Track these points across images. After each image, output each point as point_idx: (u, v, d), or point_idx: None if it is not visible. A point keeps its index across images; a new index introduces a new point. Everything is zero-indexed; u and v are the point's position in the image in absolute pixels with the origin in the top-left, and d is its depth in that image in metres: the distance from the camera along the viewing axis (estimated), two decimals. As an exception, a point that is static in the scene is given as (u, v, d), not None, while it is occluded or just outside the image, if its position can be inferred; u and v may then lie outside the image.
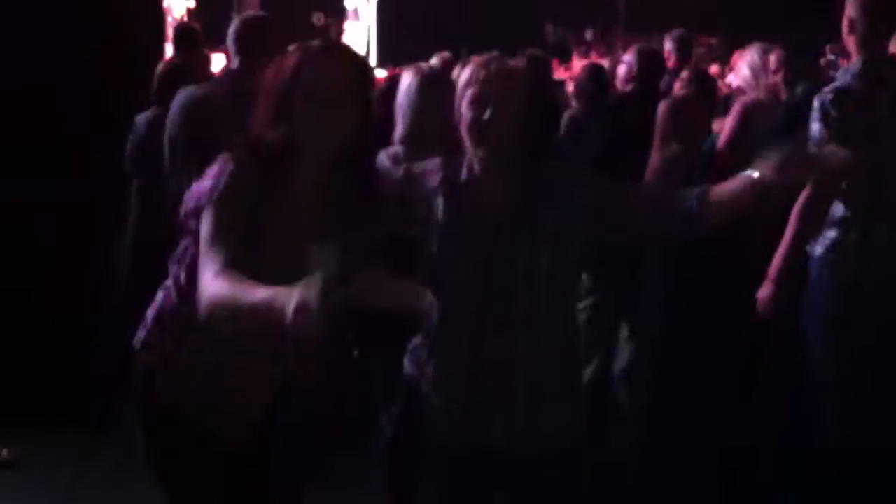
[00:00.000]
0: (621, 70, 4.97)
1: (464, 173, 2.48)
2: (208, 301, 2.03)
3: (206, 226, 2.10)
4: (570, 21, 22.80)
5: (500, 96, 2.38)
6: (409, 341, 2.62)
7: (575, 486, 2.60)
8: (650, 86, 4.73)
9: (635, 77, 4.74)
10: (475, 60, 2.48)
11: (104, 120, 5.02)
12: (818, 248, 3.41)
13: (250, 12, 4.14)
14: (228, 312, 2.00)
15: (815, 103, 3.32)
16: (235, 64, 3.85)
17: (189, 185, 3.70)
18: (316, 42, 2.32)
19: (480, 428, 2.48)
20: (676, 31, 6.00)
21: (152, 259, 4.44)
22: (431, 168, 2.56)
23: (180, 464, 2.27)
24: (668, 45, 5.99)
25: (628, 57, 4.85)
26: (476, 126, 2.40)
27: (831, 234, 3.36)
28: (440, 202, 2.47)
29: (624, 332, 4.62)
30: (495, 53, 2.56)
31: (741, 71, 4.41)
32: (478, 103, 2.39)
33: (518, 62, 2.61)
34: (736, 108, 4.14)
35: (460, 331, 2.45)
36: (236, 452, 2.30)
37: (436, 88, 3.36)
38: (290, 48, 2.30)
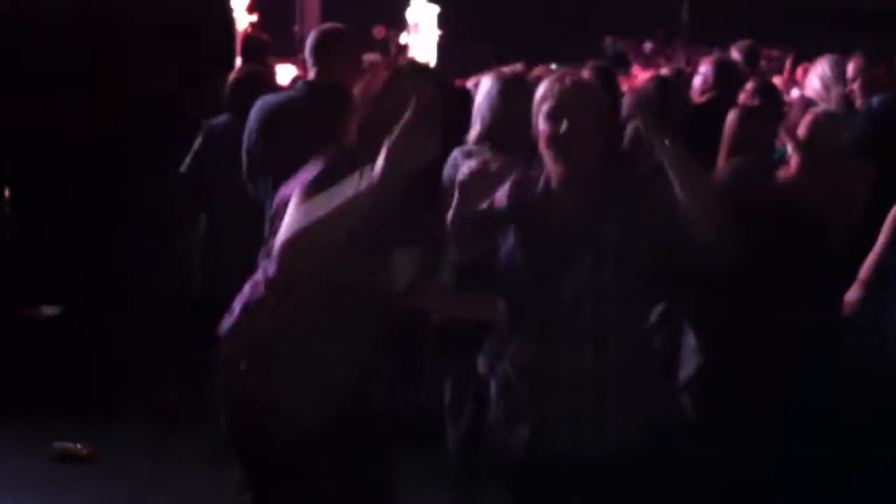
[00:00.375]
0: (697, 81, 4.96)
1: (540, 186, 2.51)
2: (281, 239, 2.08)
3: (293, 204, 2.16)
4: (630, 33, 22.77)
5: (576, 110, 2.41)
6: (483, 340, 2.65)
7: (647, 491, 2.60)
8: (728, 96, 4.71)
9: (712, 87, 4.73)
10: (550, 77, 2.53)
11: (176, 125, 5.14)
12: None
13: (326, 24, 4.21)
14: (299, 241, 2.05)
15: None
16: (312, 74, 3.92)
17: (266, 189, 3.80)
18: (405, 61, 2.41)
19: (547, 438, 2.49)
20: (743, 42, 5.95)
21: (221, 262, 4.55)
22: (506, 184, 2.59)
23: (262, 449, 2.33)
24: (735, 56, 5.94)
25: (704, 68, 4.84)
26: (554, 140, 2.43)
27: None
28: (515, 214, 2.50)
29: (690, 340, 4.59)
30: (570, 68, 2.60)
31: (812, 83, 4.38)
32: (554, 117, 2.42)
33: (588, 75, 2.64)
34: (807, 119, 4.12)
35: (527, 340, 2.47)
36: (317, 438, 2.35)
37: (515, 93, 3.41)
38: (377, 65, 2.39)
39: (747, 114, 4.05)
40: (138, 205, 5.57)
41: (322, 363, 2.35)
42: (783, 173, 3.87)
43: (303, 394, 2.33)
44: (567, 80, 2.47)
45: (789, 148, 3.93)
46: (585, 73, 5.38)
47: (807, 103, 4.39)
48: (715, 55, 5.07)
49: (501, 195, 2.58)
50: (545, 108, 2.45)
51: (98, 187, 5.55)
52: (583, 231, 2.46)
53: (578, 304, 2.44)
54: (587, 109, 2.44)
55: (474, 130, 3.49)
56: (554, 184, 2.50)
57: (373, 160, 2.17)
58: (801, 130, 4.05)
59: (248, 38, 6.35)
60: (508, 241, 2.51)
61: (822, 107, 4.17)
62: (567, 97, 2.43)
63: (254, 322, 2.35)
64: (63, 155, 5.67)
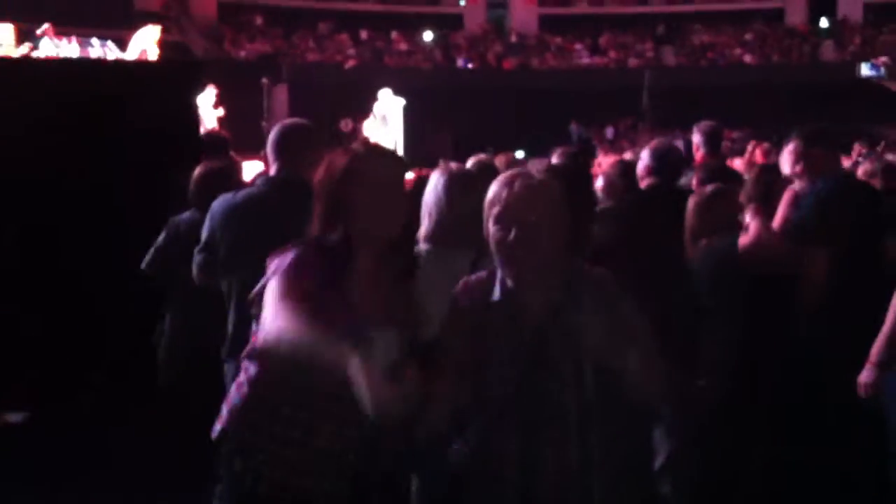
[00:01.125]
0: (639, 166, 4.97)
1: (496, 293, 2.45)
2: (271, 333, 2.09)
3: (270, 293, 2.15)
4: (594, 119, 23.21)
5: (526, 215, 2.35)
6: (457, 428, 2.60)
7: None
8: (666, 182, 4.74)
9: (652, 173, 4.76)
10: (499, 178, 2.46)
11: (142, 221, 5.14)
12: None
13: (289, 120, 4.19)
14: (290, 342, 2.04)
15: None
16: (274, 170, 3.90)
17: (230, 287, 3.77)
18: (360, 145, 2.41)
19: None
20: (705, 124, 5.94)
21: (183, 354, 4.53)
22: (461, 290, 2.54)
23: None
24: (696, 139, 5.96)
25: (644, 153, 4.86)
26: (502, 246, 2.43)
27: None
28: (476, 322, 2.46)
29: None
30: (520, 169, 2.54)
31: (785, 162, 4.43)
32: (502, 223, 2.39)
33: (544, 175, 2.57)
34: (786, 197, 4.14)
35: (508, 445, 2.42)
36: None
37: (463, 188, 3.38)
38: (334, 153, 2.37)
39: (706, 199, 4.07)
40: (105, 301, 5.53)
41: (312, 452, 2.32)
42: (744, 241, 3.91)
43: (309, 477, 2.30)
44: (516, 185, 2.39)
45: (747, 216, 3.97)
46: (554, 159, 5.43)
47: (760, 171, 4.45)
48: (655, 141, 5.09)
49: (459, 298, 2.53)
50: (494, 212, 2.40)
51: (64, 282, 5.51)
52: (554, 331, 2.41)
53: (560, 404, 2.41)
54: (538, 213, 2.36)
55: (424, 227, 3.43)
56: (510, 286, 2.46)
57: (337, 244, 2.22)
58: (782, 208, 4.10)
59: (208, 134, 6.40)
60: (475, 347, 2.47)
61: (799, 184, 4.21)
62: (516, 202, 2.36)
63: (242, 422, 2.33)
64: (31, 254, 5.63)
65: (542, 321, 2.38)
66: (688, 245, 3.93)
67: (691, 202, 3.99)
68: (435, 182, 3.42)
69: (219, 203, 3.92)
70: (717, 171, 5.37)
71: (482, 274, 2.52)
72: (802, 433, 3.59)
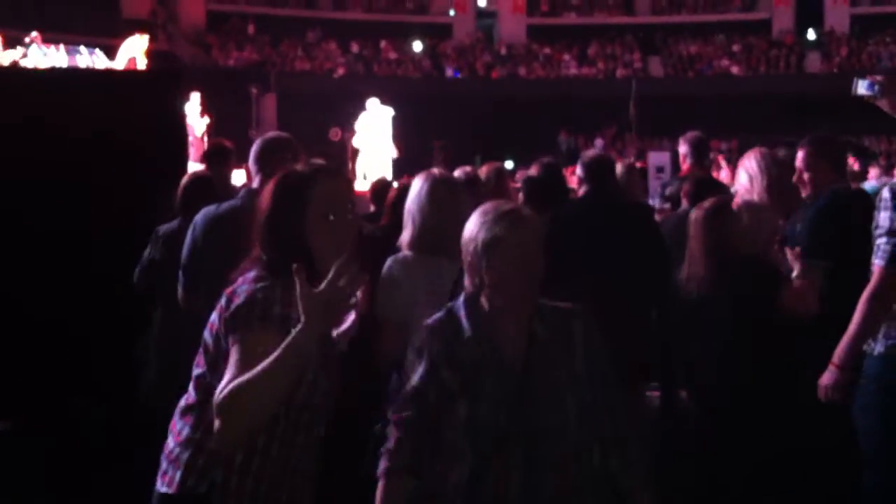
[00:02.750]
0: (574, 179, 5.00)
1: (466, 327, 2.47)
2: (223, 393, 2.04)
3: (235, 353, 2.11)
4: (582, 129, 23.28)
5: (509, 250, 2.38)
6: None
7: None
8: (599, 192, 4.78)
9: (582, 183, 4.81)
10: (492, 211, 2.47)
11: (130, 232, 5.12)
12: (878, 346, 3.39)
13: (271, 133, 4.18)
14: (243, 396, 2.00)
15: (886, 193, 3.33)
16: (256, 182, 3.88)
17: (205, 298, 3.75)
18: (311, 164, 2.34)
19: None
20: (692, 134, 5.94)
21: (172, 369, 4.50)
22: (428, 334, 2.54)
23: None
24: (682, 149, 5.96)
25: (578, 167, 4.91)
26: (512, 285, 2.39)
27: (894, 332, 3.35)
28: (452, 357, 2.46)
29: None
30: (508, 205, 2.54)
31: (739, 176, 4.43)
32: (516, 265, 2.37)
33: (534, 170, 2.62)
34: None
35: (509, 474, 2.42)
36: None
37: (446, 194, 3.36)
38: (283, 171, 2.32)
39: (712, 213, 4.00)
40: (92, 311, 5.51)
41: (282, 470, 2.29)
42: None
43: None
44: (499, 219, 2.42)
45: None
46: (532, 171, 5.44)
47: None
48: (588, 152, 5.12)
49: (423, 345, 2.54)
50: (503, 252, 2.41)
51: (52, 293, 5.48)
52: (533, 367, 2.43)
53: (549, 432, 2.42)
54: (520, 247, 2.39)
55: (406, 233, 3.41)
56: (487, 317, 2.47)
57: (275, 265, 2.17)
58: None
59: (212, 143, 6.36)
60: (455, 386, 2.47)
61: (746, 198, 4.20)
62: (499, 237, 2.39)
63: (191, 472, 2.27)
64: (18, 260, 5.61)
65: (519, 361, 2.40)
66: (696, 262, 3.85)
67: (695, 217, 3.91)
68: (418, 188, 3.41)
69: (201, 216, 3.91)
70: (705, 182, 5.39)
71: (438, 316, 2.52)
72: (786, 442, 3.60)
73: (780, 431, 3.56)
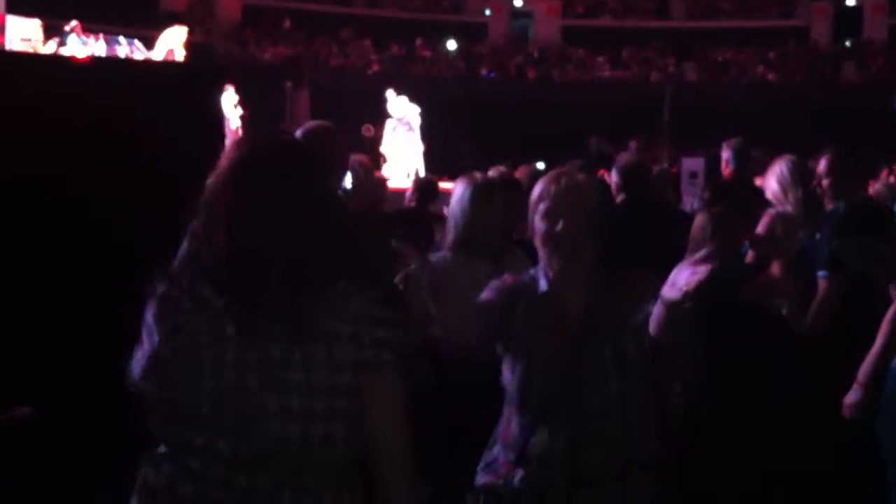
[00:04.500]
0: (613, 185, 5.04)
1: (542, 284, 2.56)
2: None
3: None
4: (615, 133, 23.21)
5: (571, 209, 2.50)
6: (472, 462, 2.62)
7: None
8: (635, 199, 4.79)
9: (620, 190, 4.83)
10: (545, 177, 2.61)
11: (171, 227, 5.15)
12: None
13: (313, 122, 4.21)
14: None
15: None
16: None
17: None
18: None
19: None
20: (734, 141, 5.98)
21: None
22: (502, 285, 2.63)
23: None
24: (725, 155, 5.98)
25: (614, 173, 4.93)
26: (550, 238, 2.51)
27: None
28: (521, 315, 2.53)
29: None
30: (563, 169, 2.67)
31: (770, 184, 4.42)
32: (550, 217, 2.51)
33: (583, 177, 2.70)
34: (763, 221, 4.16)
35: (555, 436, 2.47)
36: None
37: (484, 199, 3.44)
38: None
39: (711, 219, 4.02)
40: (136, 298, 5.55)
41: None
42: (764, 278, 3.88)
43: None
44: (563, 181, 2.56)
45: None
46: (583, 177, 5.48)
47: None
48: (622, 156, 5.14)
49: (493, 299, 2.60)
50: (542, 207, 2.53)
51: (93, 288, 5.54)
52: (597, 317, 2.51)
53: (605, 385, 2.48)
54: (581, 209, 2.52)
55: (449, 237, 3.49)
56: (553, 279, 2.55)
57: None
58: (758, 230, 4.09)
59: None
60: (519, 341, 2.54)
61: (779, 208, 4.20)
62: (562, 197, 2.52)
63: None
64: (42, 243, 5.67)
65: (583, 311, 2.47)
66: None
67: (697, 220, 3.95)
68: (459, 193, 3.49)
69: None
70: (729, 187, 5.41)
71: (523, 275, 2.62)
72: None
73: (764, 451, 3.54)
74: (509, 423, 2.57)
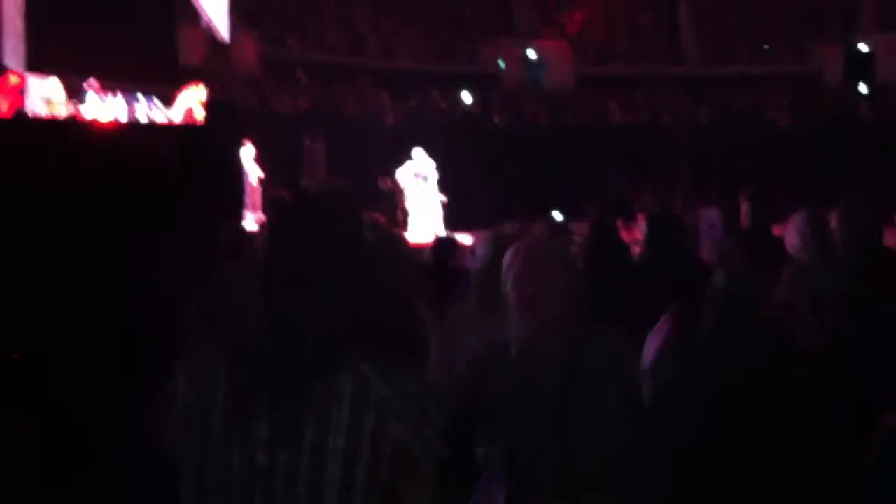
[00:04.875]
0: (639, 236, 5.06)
1: (513, 350, 2.58)
2: None
3: None
4: (633, 179, 23.24)
5: (540, 274, 2.58)
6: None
7: None
8: (661, 252, 4.79)
9: (646, 243, 4.83)
10: (514, 246, 2.69)
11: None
12: None
13: (328, 181, 4.29)
14: None
15: None
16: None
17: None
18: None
19: None
20: (752, 190, 6.03)
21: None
22: (472, 357, 2.66)
23: None
24: (743, 206, 6.02)
25: (643, 223, 4.95)
26: (522, 302, 2.55)
27: None
28: (496, 383, 2.56)
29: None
30: (531, 236, 2.75)
31: (790, 236, 4.47)
32: (520, 282, 2.54)
33: (560, 239, 2.78)
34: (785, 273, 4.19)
35: (543, 495, 2.47)
36: None
37: (500, 256, 3.50)
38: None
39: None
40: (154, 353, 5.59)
41: None
42: None
43: None
44: (529, 249, 2.61)
45: None
46: (582, 229, 5.53)
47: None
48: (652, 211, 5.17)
49: (465, 372, 2.66)
50: (512, 273, 2.59)
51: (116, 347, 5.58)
52: (579, 375, 2.52)
53: (589, 453, 2.48)
54: (551, 272, 2.58)
55: (473, 296, 3.56)
56: (527, 338, 2.59)
57: None
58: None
59: (274, 197, 6.47)
60: (496, 413, 2.56)
61: (799, 258, 4.23)
62: (531, 263, 2.59)
63: None
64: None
65: (564, 371, 2.49)
66: None
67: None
68: (480, 252, 3.57)
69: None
70: (763, 239, 5.42)
71: (493, 342, 2.66)
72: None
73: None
74: (489, 498, 2.54)
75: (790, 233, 4.47)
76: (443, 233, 11.55)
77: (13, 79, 12.29)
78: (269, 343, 1.81)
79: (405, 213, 15.04)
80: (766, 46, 28.19)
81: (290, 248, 1.82)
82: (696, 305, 3.20)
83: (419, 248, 7.00)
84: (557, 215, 13.73)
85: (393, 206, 15.18)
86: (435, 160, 15.25)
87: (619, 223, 9.03)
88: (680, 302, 3.46)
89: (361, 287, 1.89)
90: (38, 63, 14.08)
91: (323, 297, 1.79)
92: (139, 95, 14.52)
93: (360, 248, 1.91)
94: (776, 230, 7.58)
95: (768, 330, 3.32)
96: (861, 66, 26.90)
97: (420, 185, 15.01)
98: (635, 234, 7.78)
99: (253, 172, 14.40)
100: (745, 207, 5.90)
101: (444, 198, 14.70)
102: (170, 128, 9.77)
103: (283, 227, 1.90)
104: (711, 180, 19.54)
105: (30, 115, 10.12)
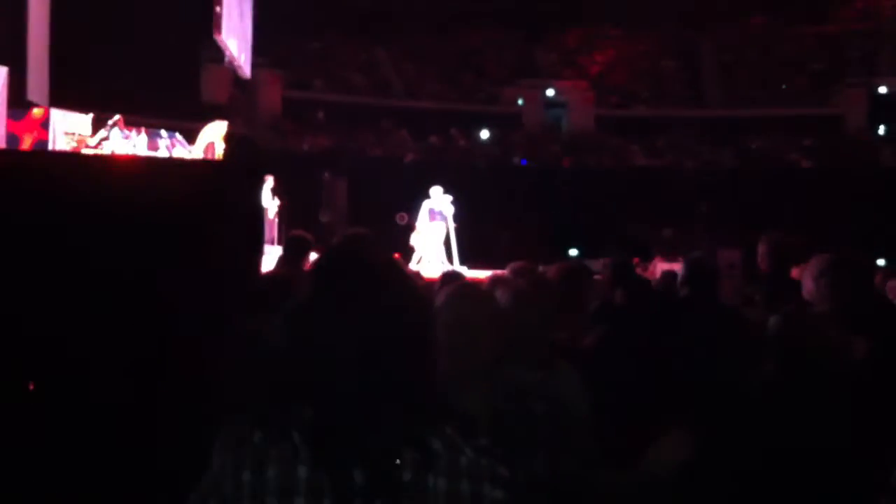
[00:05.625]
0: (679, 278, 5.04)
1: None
2: None
3: None
4: (651, 221, 23.25)
5: (467, 320, 2.57)
6: None
7: None
8: (700, 293, 4.78)
9: (685, 284, 4.82)
10: (446, 290, 2.70)
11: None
12: None
13: (353, 230, 4.32)
14: None
15: None
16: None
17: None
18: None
19: None
20: (773, 235, 5.98)
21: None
22: None
23: None
24: (761, 249, 5.98)
25: (680, 265, 4.96)
26: (447, 345, 2.55)
27: None
28: None
29: None
30: (465, 282, 2.78)
31: (806, 283, 4.44)
32: (447, 326, 2.55)
33: (487, 285, 2.82)
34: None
35: None
36: None
37: (527, 303, 3.46)
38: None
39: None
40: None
41: None
42: None
43: None
44: (457, 295, 2.65)
45: None
46: (600, 267, 5.53)
47: None
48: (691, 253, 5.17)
49: None
50: (441, 318, 2.60)
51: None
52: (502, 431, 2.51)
53: None
54: (474, 320, 2.58)
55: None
56: (452, 390, 2.59)
57: None
58: None
59: (292, 237, 6.48)
60: None
61: (816, 310, 4.21)
62: (458, 309, 2.60)
63: None
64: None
65: (492, 423, 2.48)
66: None
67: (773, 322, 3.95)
68: (499, 299, 3.54)
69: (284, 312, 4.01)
70: (782, 284, 5.40)
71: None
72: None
73: None
74: None
75: (806, 280, 4.44)
76: (454, 268, 11.55)
77: (37, 112, 12.48)
78: (356, 416, 1.72)
79: (413, 249, 15.14)
80: (784, 86, 28.16)
81: (357, 320, 1.74)
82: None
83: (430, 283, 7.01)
84: (573, 252, 13.73)
85: (407, 240, 15.27)
86: (454, 197, 15.31)
87: (636, 262, 9.04)
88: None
89: (429, 351, 1.83)
90: (62, 98, 14.30)
91: (400, 371, 1.74)
92: (162, 131, 14.72)
93: (427, 313, 1.88)
94: (795, 273, 7.56)
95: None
96: (885, 109, 26.87)
97: (437, 221, 15.07)
98: (651, 273, 7.78)
99: (271, 207, 14.48)
100: (763, 250, 5.85)
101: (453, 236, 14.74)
102: (190, 163, 9.84)
103: (348, 297, 1.80)
104: (732, 222, 19.51)
105: (50, 149, 10.25)
